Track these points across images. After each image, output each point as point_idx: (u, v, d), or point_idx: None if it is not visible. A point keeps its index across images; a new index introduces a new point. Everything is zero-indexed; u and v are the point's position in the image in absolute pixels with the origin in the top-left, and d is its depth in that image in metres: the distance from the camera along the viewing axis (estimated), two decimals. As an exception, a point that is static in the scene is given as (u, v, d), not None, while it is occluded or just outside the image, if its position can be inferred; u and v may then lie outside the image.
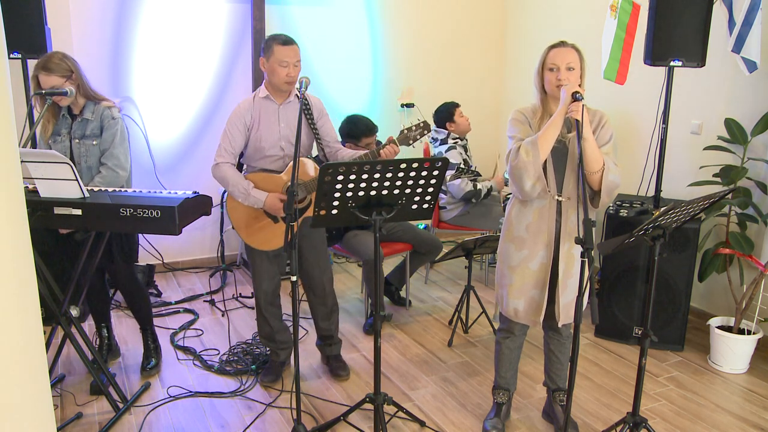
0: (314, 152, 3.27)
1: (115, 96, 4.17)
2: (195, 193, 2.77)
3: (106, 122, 2.98)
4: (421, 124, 3.03)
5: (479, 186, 4.40)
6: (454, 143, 4.46)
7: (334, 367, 3.33)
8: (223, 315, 4.04)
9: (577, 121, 2.29)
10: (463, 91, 5.43)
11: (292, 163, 2.97)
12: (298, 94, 2.91)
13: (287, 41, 2.87)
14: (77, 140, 2.98)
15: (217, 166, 2.96)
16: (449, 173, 4.34)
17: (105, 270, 3.27)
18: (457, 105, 4.55)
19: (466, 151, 4.51)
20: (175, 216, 2.56)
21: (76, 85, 2.93)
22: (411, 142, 3.00)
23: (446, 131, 4.52)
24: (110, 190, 2.81)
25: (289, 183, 2.85)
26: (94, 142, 2.98)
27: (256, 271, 3.10)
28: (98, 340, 3.39)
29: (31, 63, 3.84)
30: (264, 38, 4.60)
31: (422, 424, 2.87)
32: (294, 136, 2.97)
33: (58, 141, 2.99)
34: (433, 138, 4.54)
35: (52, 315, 2.82)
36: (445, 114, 4.52)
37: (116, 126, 3.00)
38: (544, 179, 2.44)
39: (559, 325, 2.62)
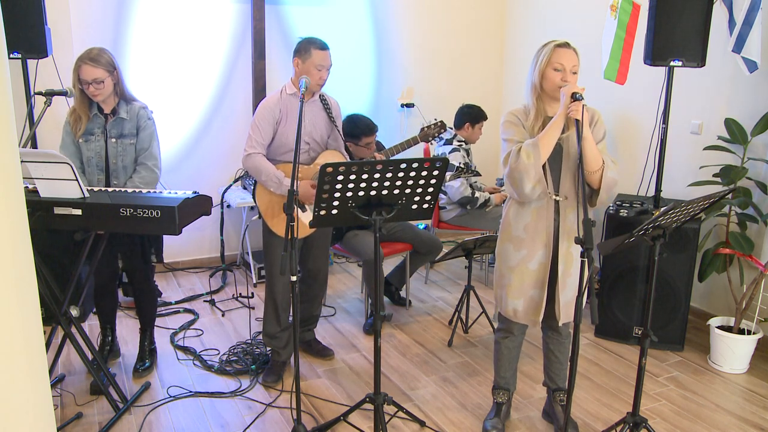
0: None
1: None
2: (195, 193, 2.77)
3: (142, 122, 3.00)
4: (438, 123, 3.45)
5: (477, 195, 4.40)
6: (459, 146, 4.45)
7: (320, 349, 3.50)
8: (223, 315, 4.04)
9: (576, 120, 2.29)
10: (463, 91, 5.43)
11: (317, 157, 3.19)
12: (321, 94, 3.16)
13: (324, 46, 3.01)
14: (114, 139, 2.98)
15: (249, 156, 3.03)
16: (448, 174, 4.33)
17: (117, 271, 3.27)
18: (485, 118, 4.55)
19: (468, 155, 4.51)
20: (175, 216, 2.56)
21: (115, 82, 2.96)
22: (430, 139, 3.44)
23: (453, 132, 4.52)
24: (117, 190, 2.81)
25: (317, 171, 3.02)
26: (131, 142, 3.00)
27: (275, 263, 3.15)
28: (101, 340, 3.39)
29: (31, 63, 3.87)
30: (263, 38, 4.67)
31: (422, 424, 2.87)
32: (317, 132, 3.15)
33: (92, 140, 2.99)
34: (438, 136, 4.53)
35: (52, 315, 2.81)
36: (472, 118, 4.49)
37: (152, 126, 3.04)
38: (545, 181, 2.44)
39: (560, 324, 2.62)
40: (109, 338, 3.38)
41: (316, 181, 3.04)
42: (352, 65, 5.10)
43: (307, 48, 2.98)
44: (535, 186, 2.43)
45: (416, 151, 4.53)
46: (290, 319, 3.23)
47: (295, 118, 3.02)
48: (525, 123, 2.51)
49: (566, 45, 2.44)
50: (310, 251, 3.30)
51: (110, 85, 2.93)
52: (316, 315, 3.51)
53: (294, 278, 2.30)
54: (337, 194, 2.29)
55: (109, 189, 2.84)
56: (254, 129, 3.03)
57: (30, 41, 3.66)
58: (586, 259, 2.06)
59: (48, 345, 2.87)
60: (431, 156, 4.66)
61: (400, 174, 2.30)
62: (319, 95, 3.15)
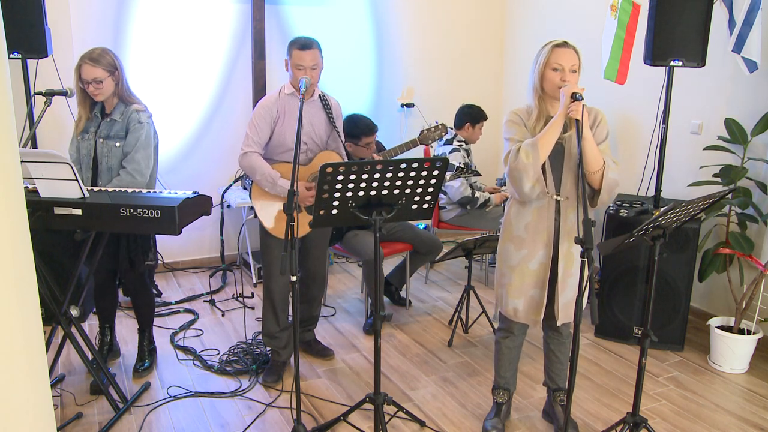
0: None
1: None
2: (195, 193, 2.77)
3: (131, 125, 2.99)
4: (439, 126, 3.39)
5: (477, 194, 4.40)
6: (459, 146, 4.46)
7: (320, 349, 3.50)
8: (223, 315, 4.04)
9: (577, 120, 2.29)
10: (463, 91, 5.43)
11: (315, 156, 3.17)
12: (321, 94, 3.14)
13: (305, 45, 2.95)
14: (101, 140, 2.99)
15: (245, 155, 3.04)
16: (448, 174, 4.33)
17: (116, 271, 3.27)
18: (486, 118, 4.55)
19: (468, 155, 4.51)
20: (175, 216, 2.56)
21: (116, 83, 2.96)
22: (430, 142, 3.38)
23: (454, 132, 4.52)
24: (118, 190, 2.81)
25: (314, 173, 3.07)
26: (118, 144, 2.98)
27: (273, 263, 3.15)
28: (99, 339, 3.39)
29: (31, 63, 3.88)
30: (263, 38, 4.67)
31: (422, 424, 2.87)
32: (315, 132, 3.14)
33: (85, 138, 3.01)
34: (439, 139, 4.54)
35: (52, 315, 2.82)
36: (472, 118, 4.49)
37: (141, 130, 2.99)
38: (543, 181, 2.44)
39: (558, 325, 2.62)
40: (108, 338, 3.38)
41: (313, 183, 3.06)
42: (352, 65, 5.10)
43: (290, 48, 2.98)
44: (534, 185, 2.43)
45: (416, 152, 4.53)
46: (290, 319, 3.23)
47: (293, 118, 3.02)
48: (527, 123, 2.51)
49: (564, 44, 2.44)
50: (308, 252, 3.29)
51: (110, 86, 2.93)
52: (315, 315, 3.51)
53: (294, 278, 2.30)
54: (337, 194, 2.29)
55: (109, 189, 2.84)
56: (251, 128, 3.03)
57: (30, 41, 3.66)
58: (586, 259, 2.07)
59: (48, 345, 2.87)
60: (431, 156, 4.66)
61: (400, 174, 2.30)
62: (320, 95, 3.14)
